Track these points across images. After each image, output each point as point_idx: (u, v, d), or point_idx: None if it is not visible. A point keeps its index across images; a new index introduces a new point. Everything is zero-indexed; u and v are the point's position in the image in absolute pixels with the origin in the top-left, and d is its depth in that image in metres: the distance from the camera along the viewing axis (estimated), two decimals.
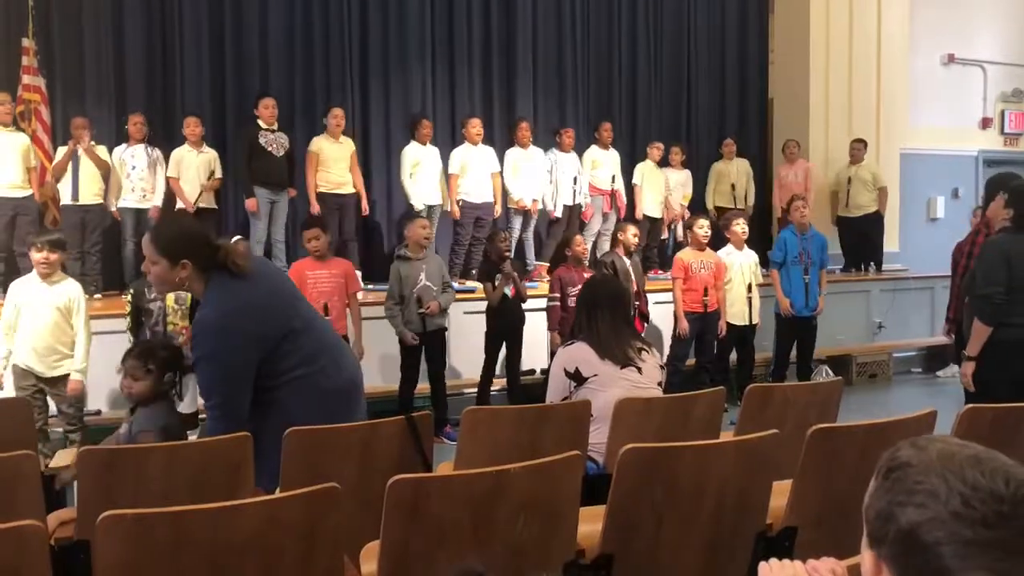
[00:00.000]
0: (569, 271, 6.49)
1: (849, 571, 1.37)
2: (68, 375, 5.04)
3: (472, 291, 7.21)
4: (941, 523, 1.00)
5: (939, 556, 1.00)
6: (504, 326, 6.40)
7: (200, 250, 2.92)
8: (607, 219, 8.72)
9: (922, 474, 1.04)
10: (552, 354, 6.32)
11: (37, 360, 4.97)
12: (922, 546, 1.01)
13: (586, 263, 6.64)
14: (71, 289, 5.08)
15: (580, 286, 6.21)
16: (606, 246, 8.38)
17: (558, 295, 6.39)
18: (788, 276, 7.04)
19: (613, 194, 8.78)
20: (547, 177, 8.51)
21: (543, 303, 6.67)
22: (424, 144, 8.00)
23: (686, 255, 6.89)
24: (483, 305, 6.53)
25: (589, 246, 8.22)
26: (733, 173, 9.67)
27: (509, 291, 6.33)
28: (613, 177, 8.74)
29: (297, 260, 6.23)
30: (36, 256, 4.90)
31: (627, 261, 6.74)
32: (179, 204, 7.24)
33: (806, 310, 7.03)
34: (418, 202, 7.83)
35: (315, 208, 7.48)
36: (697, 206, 9.52)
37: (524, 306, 6.58)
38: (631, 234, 6.86)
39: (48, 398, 5.12)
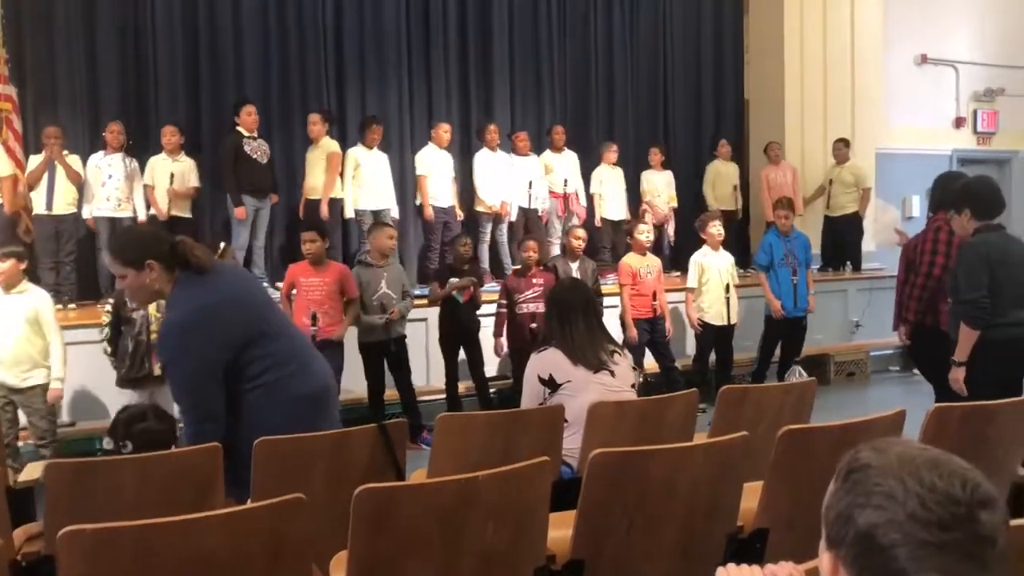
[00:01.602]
0: (516, 279, 6.52)
1: (808, 574, 1.37)
2: (40, 386, 5.03)
3: None
4: (898, 525, 1.01)
5: (895, 558, 1.00)
6: (455, 330, 6.42)
7: (160, 248, 2.93)
8: (567, 222, 8.63)
9: (881, 476, 1.05)
10: (513, 357, 6.37)
11: (6, 371, 4.95)
12: (879, 548, 1.02)
13: (533, 268, 6.62)
14: (37, 298, 5.07)
15: (527, 292, 6.31)
16: None
17: (504, 302, 6.44)
18: (777, 279, 7.07)
19: (566, 197, 8.73)
20: (513, 180, 8.47)
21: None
22: (371, 148, 7.86)
23: (632, 260, 6.90)
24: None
25: (558, 250, 8.23)
26: (733, 175, 9.68)
27: (462, 296, 6.33)
28: (565, 181, 8.69)
29: (293, 263, 6.19)
30: None
31: (573, 265, 6.74)
32: (152, 211, 7.19)
33: (796, 311, 7.08)
34: (349, 210, 7.75)
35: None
36: (694, 205, 9.49)
37: (488, 310, 6.61)
38: (573, 238, 6.88)
39: (19, 411, 5.07)
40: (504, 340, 6.46)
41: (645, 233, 6.95)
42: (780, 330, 7.16)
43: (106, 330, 5.29)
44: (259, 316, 3.04)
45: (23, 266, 5.08)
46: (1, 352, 4.92)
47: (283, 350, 3.02)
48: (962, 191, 4.25)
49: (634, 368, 3.71)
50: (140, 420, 2.94)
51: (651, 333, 6.83)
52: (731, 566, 1.36)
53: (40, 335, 5.02)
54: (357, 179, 7.77)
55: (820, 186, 9.77)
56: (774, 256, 7.09)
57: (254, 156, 7.27)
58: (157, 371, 5.18)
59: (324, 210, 7.53)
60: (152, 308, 5.17)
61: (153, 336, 5.16)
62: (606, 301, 7.21)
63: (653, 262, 6.96)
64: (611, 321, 7.01)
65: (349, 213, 7.77)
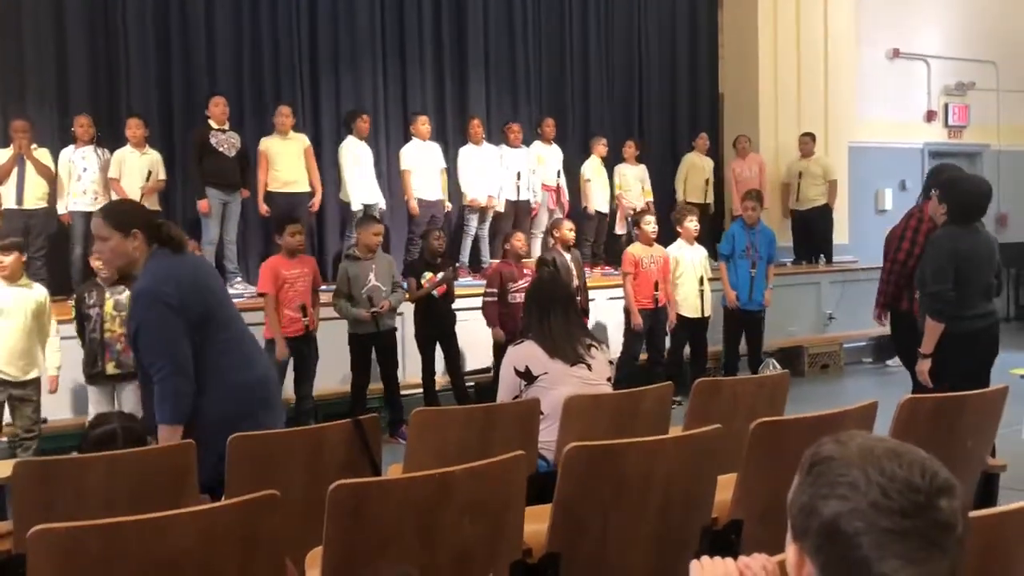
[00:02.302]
0: (509, 267, 6.51)
1: (780, 567, 1.38)
2: (37, 379, 5.06)
3: None
4: (861, 513, 1.03)
5: (858, 546, 1.02)
6: (433, 327, 6.39)
7: (146, 220, 3.14)
8: (554, 215, 8.66)
9: (844, 467, 1.07)
10: (496, 350, 6.38)
11: (10, 364, 4.95)
12: (843, 537, 1.04)
13: (524, 259, 6.63)
14: (40, 292, 5.14)
15: (520, 281, 6.31)
16: None
17: (495, 290, 6.41)
18: (735, 270, 7.11)
19: (558, 189, 8.74)
20: (501, 173, 8.43)
21: None
22: (361, 139, 7.84)
23: (636, 250, 6.94)
24: None
25: (539, 242, 8.24)
26: (707, 168, 9.73)
27: (437, 291, 6.32)
28: (559, 172, 8.70)
29: (268, 259, 6.09)
30: None
31: (567, 256, 6.76)
32: None
33: (751, 304, 7.10)
34: (356, 202, 7.71)
35: (263, 209, 7.39)
36: (668, 199, 9.55)
37: (466, 304, 6.59)
38: (567, 229, 6.90)
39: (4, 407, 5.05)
40: (500, 329, 6.41)
41: (652, 224, 6.96)
42: (738, 323, 7.19)
43: (75, 324, 5.25)
44: (218, 302, 3.20)
45: (24, 258, 5.07)
46: (10, 344, 4.92)
47: (234, 338, 3.17)
48: (949, 187, 4.27)
49: (610, 362, 3.72)
50: (109, 443, 2.92)
51: (653, 324, 6.86)
52: (705, 558, 1.37)
53: (41, 328, 5.05)
54: (355, 172, 7.75)
55: (784, 185, 9.84)
56: (735, 247, 7.13)
57: (220, 149, 7.17)
58: (110, 369, 5.15)
59: (316, 202, 7.63)
60: (108, 306, 5.12)
61: (107, 335, 5.14)
62: (612, 292, 7.29)
63: (659, 253, 6.96)
64: (617, 311, 7.05)
65: (356, 206, 7.69)
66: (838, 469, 1.07)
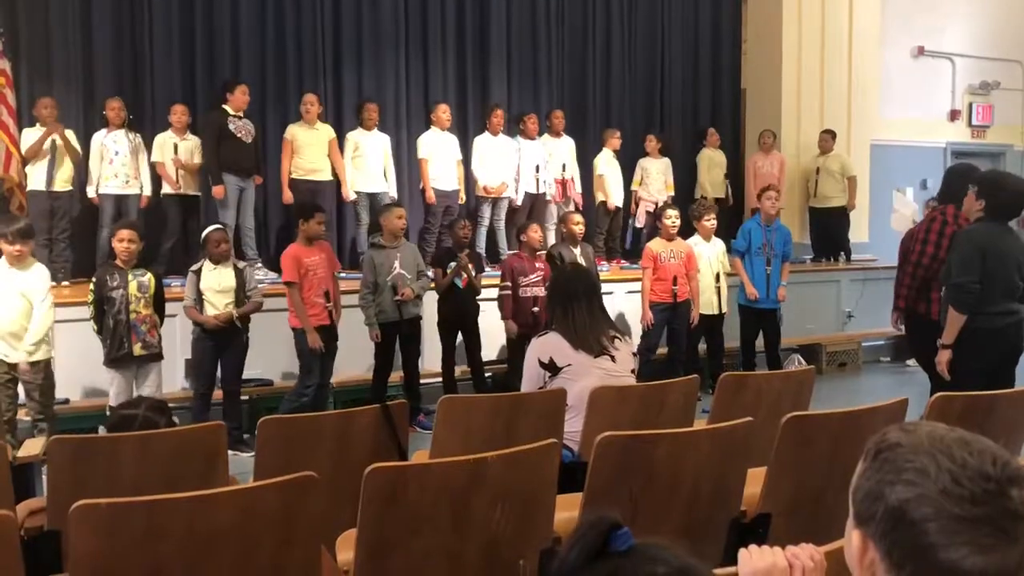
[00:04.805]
0: (521, 260, 6.50)
1: (827, 557, 1.38)
2: (43, 361, 5.01)
3: None
4: (929, 500, 1.02)
5: (926, 532, 1.01)
6: (455, 315, 6.39)
7: None
8: (563, 208, 8.54)
9: (912, 453, 1.06)
10: (509, 344, 6.38)
11: (9, 347, 4.94)
12: (909, 522, 1.03)
13: (539, 251, 6.63)
14: (37, 274, 5.06)
15: (532, 275, 6.31)
16: None
17: (509, 284, 6.41)
18: (751, 267, 7.05)
19: (564, 183, 8.68)
20: (515, 164, 8.41)
21: None
22: (370, 130, 7.83)
23: (655, 245, 6.91)
24: None
25: (553, 235, 8.21)
26: (723, 163, 9.69)
27: (461, 281, 6.32)
28: (564, 166, 8.66)
29: (291, 247, 5.95)
30: (8, 248, 4.87)
31: (576, 251, 6.74)
32: (165, 188, 7.15)
33: (768, 301, 7.05)
34: (350, 191, 7.72)
35: (287, 196, 7.40)
36: (689, 195, 9.50)
37: (482, 296, 6.59)
38: (572, 223, 6.88)
39: (19, 388, 5.06)
40: (512, 322, 6.43)
41: (672, 218, 6.92)
42: (754, 319, 7.13)
43: (91, 308, 5.24)
44: None
45: (32, 244, 5.12)
46: (6, 327, 4.91)
47: None
48: (990, 183, 4.25)
49: (634, 354, 3.72)
50: (126, 427, 2.92)
51: (672, 318, 6.83)
52: (753, 547, 1.37)
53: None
54: (356, 162, 7.75)
55: (805, 182, 9.80)
56: (751, 244, 7.07)
57: (239, 135, 7.19)
58: (137, 351, 5.15)
59: (346, 192, 7.68)
60: (132, 287, 5.13)
61: (133, 316, 5.13)
62: (630, 287, 7.28)
63: (679, 248, 6.91)
64: (637, 305, 7.05)
65: (351, 196, 7.73)
66: (906, 455, 1.06)
